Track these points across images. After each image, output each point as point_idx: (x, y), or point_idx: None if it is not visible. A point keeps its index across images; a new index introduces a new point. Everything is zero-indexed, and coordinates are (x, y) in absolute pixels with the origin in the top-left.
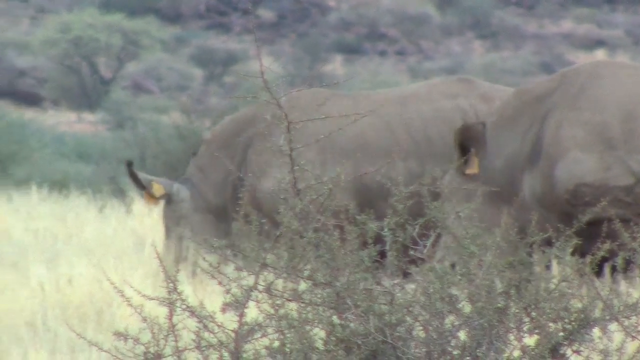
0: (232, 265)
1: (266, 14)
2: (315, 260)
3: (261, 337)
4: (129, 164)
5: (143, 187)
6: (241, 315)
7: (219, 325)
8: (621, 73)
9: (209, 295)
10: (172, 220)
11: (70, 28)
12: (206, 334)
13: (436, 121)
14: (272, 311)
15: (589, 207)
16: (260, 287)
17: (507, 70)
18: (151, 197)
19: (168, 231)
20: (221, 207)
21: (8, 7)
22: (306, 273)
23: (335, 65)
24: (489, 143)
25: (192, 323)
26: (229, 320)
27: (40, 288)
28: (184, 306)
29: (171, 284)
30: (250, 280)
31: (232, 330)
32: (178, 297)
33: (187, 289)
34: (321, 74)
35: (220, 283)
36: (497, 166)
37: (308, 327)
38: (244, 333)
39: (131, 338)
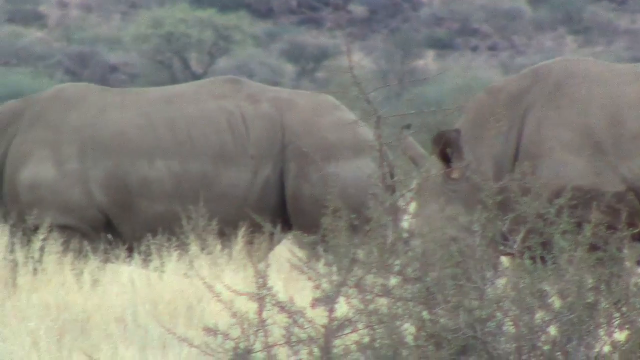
0: (322, 261)
1: (358, 9)
2: (405, 255)
3: (351, 332)
4: None
5: None
6: (331, 310)
7: (308, 321)
8: (593, 70)
9: (299, 290)
10: None
11: (162, 23)
12: (296, 329)
13: (200, 121)
14: (362, 306)
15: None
16: (350, 283)
17: None
18: None
19: None
20: None
21: (100, 3)
22: (396, 268)
23: (427, 61)
24: (471, 144)
25: (282, 318)
26: (319, 316)
27: (131, 284)
28: (273, 301)
29: (261, 280)
30: (340, 275)
31: (322, 326)
32: (268, 293)
33: (278, 285)
34: (413, 69)
35: (310, 278)
36: (486, 168)
37: (398, 323)
38: (334, 328)
39: (221, 333)
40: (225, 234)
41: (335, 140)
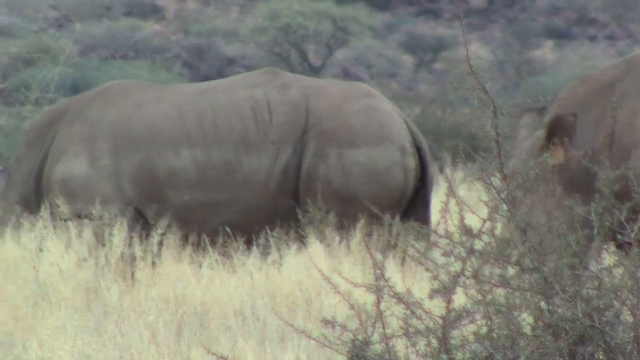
0: (440, 251)
1: None
2: (522, 245)
3: (469, 323)
4: None
5: None
6: (449, 301)
7: (426, 312)
8: None
9: (417, 281)
10: None
11: (280, 15)
12: (414, 321)
13: (226, 110)
14: (480, 297)
15: None
16: (467, 273)
17: None
18: None
19: None
20: (28, 197)
21: None
22: (514, 258)
23: (545, 51)
24: None
25: (400, 310)
26: (437, 307)
27: (250, 277)
28: (391, 293)
29: (379, 271)
30: (457, 266)
31: (439, 317)
32: (386, 284)
33: (396, 276)
34: (530, 59)
35: (427, 269)
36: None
37: (516, 313)
38: (452, 319)
39: (339, 325)
40: (343, 227)
41: (360, 126)
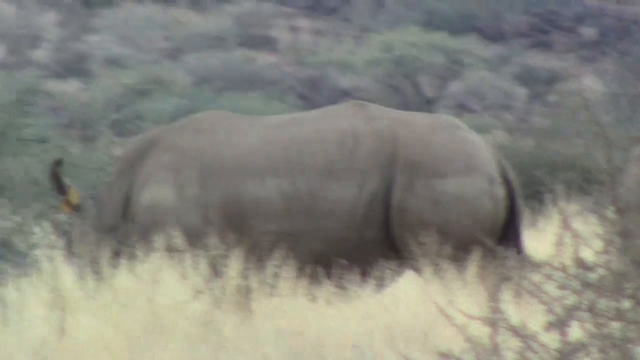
0: (554, 284)
1: (588, 31)
2: (637, 278)
3: (585, 356)
4: (57, 163)
5: (63, 191)
6: (564, 334)
7: (542, 345)
8: None
9: (533, 314)
10: (76, 234)
11: (393, 47)
12: (530, 354)
13: (311, 140)
14: (595, 330)
15: None
16: (583, 306)
17: None
18: (67, 204)
19: (74, 244)
20: (116, 226)
21: (331, 27)
22: (629, 291)
23: None
24: None
25: (516, 343)
26: (553, 340)
27: (365, 309)
28: (507, 325)
29: (494, 304)
30: (573, 299)
31: (555, 350)
32: (501, 317)
33: (511, 308)
34: None
35: (542, 302)
36: None
37: (631, 346)
38: (568, 352)
39: (455, 358)
40: (458, 259)
41: (447, 156)
